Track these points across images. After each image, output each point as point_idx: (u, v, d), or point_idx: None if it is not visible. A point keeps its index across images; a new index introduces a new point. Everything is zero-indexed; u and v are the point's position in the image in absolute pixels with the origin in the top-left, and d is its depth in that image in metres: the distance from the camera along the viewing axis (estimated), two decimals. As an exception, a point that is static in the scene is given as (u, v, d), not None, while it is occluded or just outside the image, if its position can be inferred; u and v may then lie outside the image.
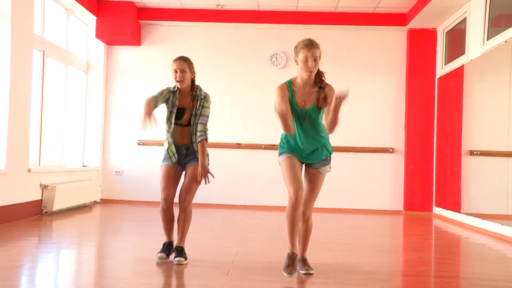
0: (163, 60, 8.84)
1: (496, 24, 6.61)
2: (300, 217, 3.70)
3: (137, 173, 8.84)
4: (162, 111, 4.23)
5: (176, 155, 4.21)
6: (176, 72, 4.17)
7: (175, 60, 4.24)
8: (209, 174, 4.15)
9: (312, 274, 3.65)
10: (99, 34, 8.55)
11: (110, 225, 6.48)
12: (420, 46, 8.66)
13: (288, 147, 3.78)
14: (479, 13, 6.97)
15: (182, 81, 4.17)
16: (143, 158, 8.86)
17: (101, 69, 8.84)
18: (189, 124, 4.22)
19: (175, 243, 4.21)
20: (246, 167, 8.67)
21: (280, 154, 3.83)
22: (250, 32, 8.90)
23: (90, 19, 8.53)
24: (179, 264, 4.04)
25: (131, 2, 8.45)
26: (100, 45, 8.82)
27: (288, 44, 8.77)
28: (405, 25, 8.61)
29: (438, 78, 8.51)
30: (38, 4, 6.99)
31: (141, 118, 3.93)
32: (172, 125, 4.20)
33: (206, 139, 4.19)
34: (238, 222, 6.62)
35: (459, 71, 7.55)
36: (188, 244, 4.60)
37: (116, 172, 8.93)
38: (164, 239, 4.29)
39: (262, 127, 8.65)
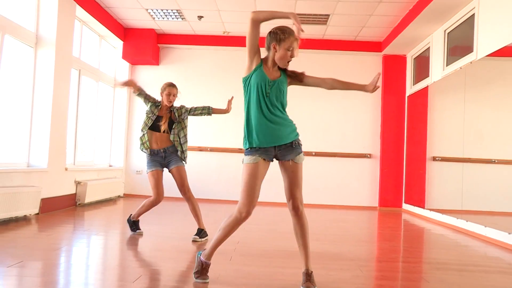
0: (178, 77, 8.96)
1: (452, 53, 6.73)
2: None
3: (155, 172, 8.86)
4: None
5: (155, 162, 4.53)
6: (169, 95, 4.52)
7: (169, 85, 4.59)
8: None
9: None
10: (125, 56, 8.63)
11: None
12: (393, 69, 8.74)
13: (255, 141, 2.92)
14: (440, 44, 7.10)
15: (171, 102, 4.55)
16: (160, 159, 8.89)
17: (126, 85, 8.90)
18: (166, 132, 4.49)
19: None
20: (241, 169, 8.68)
21: (246, 153, 2.98)
22: (251, 55, 8.95)
23: (118, 43, 8.61)
24: (195, 241, 4.44)
25: (152, 29, 8.57)
26: (126, 65, 8.89)
27: (283, 65, 8.92)
28: (380, 51, 8.69)
29: (408, 96, 8.58)
30: (77, 31, 7.10)
31: (125, 81, 4.46)
32: (146, 130, 4.51)
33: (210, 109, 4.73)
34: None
35: (425, 90, 7.64)
36: (194, 233, 4.76)
37: (137, 171, 8.99)
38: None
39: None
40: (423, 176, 7.54)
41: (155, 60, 8.82)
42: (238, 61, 8.98)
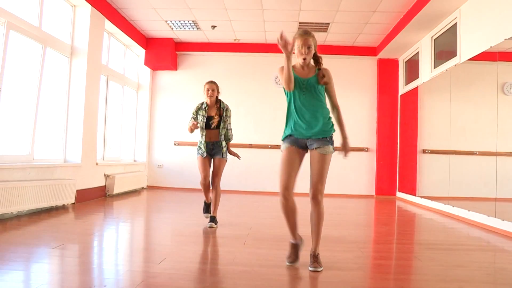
0: (193, 81, 9.04)
1: (439, 57, 6.75)
2: (293, 210, 3.07)
3: (174, 166, 8.95)
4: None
5: (206, 150, 4.57)
6: (208, 90, 4.56)
7: (208, 82, 4.63)
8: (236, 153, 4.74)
9: (320, 271, 2.91)
10: (147, 62, 8.69)
11: (154, 205, 6.54)
12: (387, 71, 8.74)
13: (291, 131, 3.08)
14: (427, 49, 7.11)
15: (211, 96, 4.55)
16: (178, 155, 8.97)
17: (147, 88, 8.97)
18: (216, 127, 4.56)
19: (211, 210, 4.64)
20: (256, 162, 8.74)
21: (283, 140, 3.13)
22: (259, 60, 8.99)
23: (140, 51, 8.67)
24: (211, 227, 4.48)
25: (171, 38, 8.63)
26: (147, 70, 8.95)
27: (288, 69, 8.93)
28: (375, 56, 8.69)
29: (400, 95, 8.58)
30: (105, 41, 7.18)
31: (189, 127, 4.40)
32: (204, 130, 4.57)
33: (230, 140, 4.69)
34: (251, 204, 6.64)
35: (415, 90, 7.65)
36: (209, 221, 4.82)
37: (158, 165, 9.04)
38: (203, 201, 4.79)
39: (269, 132, 8.74)
40: (414, 167, 7.56)
41: (173, 65, 8.89)
42: (248, 66, 9.04)
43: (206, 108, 4.60)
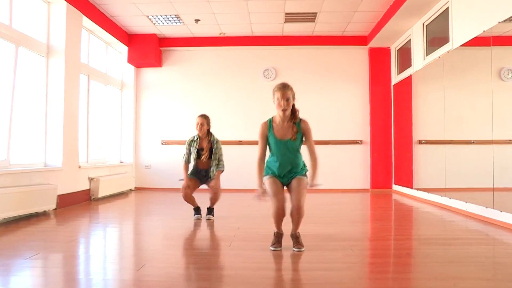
0: (179, 77, 8.97)
1: (431, 44, 6.69)
2: (284, 214, 3.44)
3: (162, 166, 8.89)
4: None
5: (194, 174, 5.02)
6: (197, 124, 4.97)
7: (199, 116, 5.01)
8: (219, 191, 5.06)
9: (303, 251, 3.36)
10: (130, 60, 8.60)
11: (142, 208, 6.49)
12: (378, 60, 8.68)
13: (271, 171, 3.55)
14: (419, 36, 7.06)
15: (200, 130, 4.96)
16: (166, 154, 8.90)
17: (132, 87, 8.89)
18: (207, 158, 4.99)
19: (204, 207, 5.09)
20: (246, 159, 8.52)
21: (265, 176, 3.56)
22: (246, 53, 8.92)
23: (123, 49, 8.56)
24: (209, 219, 4.96)
25: (154, 34, 8.52)
26: (131, 68, 8.86)
27: (277, 61, 8.91)
28: (366, 45, 8.62)
29: (393, 85, 8.53)
30: (84, 39, 7.07)
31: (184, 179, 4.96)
32: (194, 160, 5.00)
33: (222, 170, 5.04)
34: (240, 203, 6.58)
35: (408, 79, 7.60)
36: (198, 222, 4.83)
37: (146, 166, 8.98)
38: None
39: (257, 128, 8.64)
40: (410, 158, 7.52)
41: (157, 62, 8.79)
42: (235, 60, 8.97)
43: (198, 140, 5.02)
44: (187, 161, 5.02)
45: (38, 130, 5.93)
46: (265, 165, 3.57)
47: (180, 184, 5.01)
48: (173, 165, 8.72)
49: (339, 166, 8.75)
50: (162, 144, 8.95)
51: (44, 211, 5.44)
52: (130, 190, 8.62)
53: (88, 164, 7.08)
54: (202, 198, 5.26)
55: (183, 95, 8.93)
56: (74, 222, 4.95)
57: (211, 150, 4.99)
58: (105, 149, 8.08)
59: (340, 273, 2.84)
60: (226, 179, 8.83)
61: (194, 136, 5.06)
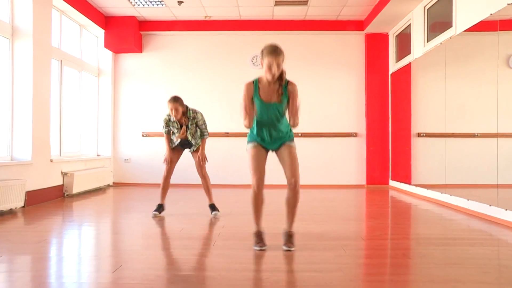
0: (161, 64, 8.88)
1: (433, 29, 6.66)
2: (262, 201, 3.57)
3: (143, 160, 8.82)
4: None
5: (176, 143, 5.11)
6: (172, 110, 4.86)
7: (169, 101, 4.88)
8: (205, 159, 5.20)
9: (292, 251, 3.37)
10: (107, 44, 8.47)
11: (120, 205, 6.45)
12: (375, 47, 8.65)
13: (255, 136, 3.61)
14: (420, 20, 7.03)
15: (176, 116, 4.90)
16: (147, 147, 8.83)
17: (109, 74, 8.77)
18: (187, 131, 5.04)
19: (208, 203, 5.23)
20: (233, 152, 8.63)
21: (248, 142, 3.67)
22: (233, 38, 8.85)
23: (99, 32, 8.43)
24: (215, 216, 5.00)
25: (133, 16, 8.39)
26: (108, 53, 8.74)
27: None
28: (362, 30, 8.59)
29: (391, 74, 8.52)
30: (56, 21, 6.93)
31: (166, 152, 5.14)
32: (176, 135, 5.05)
33: (206, 137, 5.16)
34: (227, 199, 6.54)
35: (407, 67, 7.59)
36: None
37: (125, 159, 8.91)
38: (158, 201, 5.15)
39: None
40: (408, 152, 7.53)
41: (137, 47, 8.68)
42: (221, 45, 8.89)
43: (174, 121, 5.03)
44: (168, 133, 5.10)
45: (3, 119, 5.80)
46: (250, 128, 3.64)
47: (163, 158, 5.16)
48: (154, 158, 8.64)
49: (332, 160, 8.74)
50: (143, 136, 8.86)
51: (11, 209, 5.34)
52: (108, 185, 8.54)
53: (61, 158, 6.99)
54: (170, 195, 5.31)
55: (165, 83, 8.84)
56: (45, 221, 4.87)
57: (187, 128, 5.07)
58: (81, 141, 7.97)
59: (331, 274, 2.81)
60: (211, 174, 8.86)
61: (171, 116, 5.01)
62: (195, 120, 5.04)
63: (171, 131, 5.07)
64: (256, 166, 3.53)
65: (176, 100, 4.88)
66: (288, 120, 3.59)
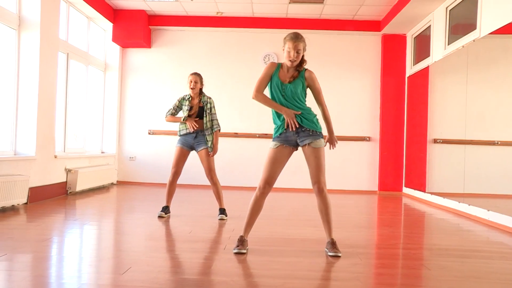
0: (170, 60, 8.88)
1: (454, 31, 6.62)
2: (261, 207, 3.60)
3: (148, 158, 8.83)
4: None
5: (185, 137, 5.09)
6: (191, 82, 5.06)
7: (191, 73, 5.12)
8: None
9: (340, 256, 3.41)
10: (115, 38, 8.49)
11: (125, 204, 6.45)
12: (392, 49, 8.62)
13: (280, 132, 3.61)
14: (441, 22, 6.98)
15: (194, 88, 5.05)
16: (153, 145, 8.84)
17: (116, 69, 8.78)
18: (198, 117, 5.05)
19: (219, 207, 5.21)
20: (242, 154, 8.64)
21: (273, 139, 3.68)
22: (246, 36, 8.85)
23: (107, 26, 8.45)
24: (222, 219, 5.01)
25: (143, 10, 8.40)
26: (116, 48, 8.76)
27: (279, 46, 8.63)
28: (379, 31, 8.56)
29: (408, 77, 8.48)
30: (63, 13, 6.94)
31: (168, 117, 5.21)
32: (186, 116, 5.05)
33: (219, 130, 5.14)
34: (235, 202, 6.51)
35: (425, 71, 7.55)
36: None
37: (130, 157, 8.92)
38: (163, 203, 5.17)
39: (257, 119, 8.62)
40: (423, 159, 7.49)
41: (146, 42, 8.68)
42: (232, 43, 8.89)
43: (190, 99, 5.13)
44: (171, 114, 5.20)
45: (7, 113, 5.81)
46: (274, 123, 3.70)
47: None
48: (161, 157, 8.67)
49: (343, 164, 8.70)
50: (149, 134, 8.86)
51: (13, 205, 5.35)
52: (112, 184, 8.55)
53: (65, 154, 7.00)
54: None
55: (174, 80, 8.84)
56: (48, 218, 4.87)
57: (201, 111, 5.08)
58: (85, 138, 7.98)
59: (348, 283, 2.79)
60: (220, 175, 8.92)
61: (186, 95, 5.18)
62: (210, 106, 5.07)
63: (175, 114, 5.20)
64: (268, 169, 3.57)
65: (198, 74, 5.13)
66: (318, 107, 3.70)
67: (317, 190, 3.63)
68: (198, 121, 5.05)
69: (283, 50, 3.56)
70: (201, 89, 5.13)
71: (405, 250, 3.93)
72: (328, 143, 3.84)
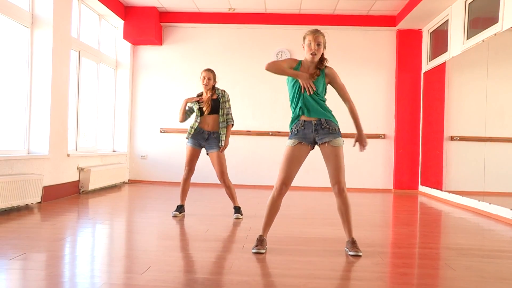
0: (181, 58, 8.89)
1: (474, 26, 6.55)
2: (278, 207, 3.59)
3: (160, 157, 8.85)
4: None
5: (196, 137, 5.03)
6: (204, 78, 5.01)
7: (204, 70, 5.08)
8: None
9: (360, 256, 3.40)
10: (126, 36, 8.51)
11: (137, 203, 6.46)
12: (408, 44, 8.58)
13: (297, 129, 3.56)
14: (459, 16, 6.92)
15: (207, 85, 5.00)
16: (165, 144, 8.86)
17: (128, 66, 8.81)
18: (211, 113, 5.00)
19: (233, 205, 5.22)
20: (255, 152, 8.64)
21: (290, 137, 3.61)
22: (258, 32, 8.84)
23: (118, 23, 8.48)
24: (237, 218, 5.01)
25: (154, 7, 8.42)
26: (127, 45, 8.78)
27: (292, 42, 8.81)
28: (394, 26, 8.52)
29: (424, 73, 8.43)
30: (75, 11, 6.97)
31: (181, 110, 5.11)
32: (199, 117, 5.03)
33: (232, 124, 5.08)
34: (249, 200, 6.53)
35: (442, 66, 7.49)
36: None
37: (142, 156, 8.95)
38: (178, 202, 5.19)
39: (269, 116, 8.63)
40: (440, 156, 7.43)
41: (157, 40, 8.69)
42: (245, 39, 8.88)
43: (201, 95, 5.12)
44: (186, 106, 5.15)
45: (20, 112, 5.84)
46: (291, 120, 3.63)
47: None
48: (172, 156, 8.70)
49: (358, 162, 8.65)
50: (161, 132, 8.89)
51: (27, 204, 5.39)
52: (124, 182, 8.59)
53: (77, 153, 7.03)
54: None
55: (186, 78, 8.85)
56: (62, 217, 4.89)
57: (216, 105, 5.02)
58: (97, 136, 8.01)
59: (372, 283, 2.78)
60: (231, 174, 8.91)
61: (199, 93, 5.18)
62: (225, 99, 5.04)
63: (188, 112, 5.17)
64: (285, 169, 3.52)
65: (211, 69, 5.10)
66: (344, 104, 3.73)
67: (337, 191, 3.55)
68: (210, 118, 5.02)
69: (303, 47, 3.53)
70: (214, 86, 5.09)
71: (426, 250, 3.89)
72: (357, 143, 3.80)
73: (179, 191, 5.18)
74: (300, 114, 3.55)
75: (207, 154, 5.10)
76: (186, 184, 5.15)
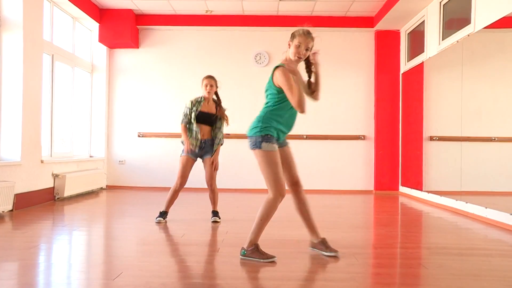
0: (159, 61, 8.88)
1: (449, 26, 6.66)
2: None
3: (138, 162, 8.81)
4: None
5: (196, 146, 5.05)
6: (206, 86, 5.08)
7: (206, 77, 5.16)
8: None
9: (337, 256, 3.47)
10: (102, 39, 8.47)
11: (115, 209, 6.43)
12: (386, 45, 8.66)
13: (276, 130, 3.49)
14: (435, 17, 7.03)
15: (210, 92, 5.08)
16: (143, 148, 8.83)
17: (104, 70, 8.76)
18: (209, 124, 5.10)
19: (211, 209, 5.26)
20: (235, 155, 8.59)
21: (270, 141, 3.44)
22: (236, 34, 8.87)
23: (93, 26, 8.43)
24: (215, 222, 5.06)
25: (130, 9, 8.39)
26: (103, 48, 8.74)
27: (270, 44, 8.86)
28: (372, 27, 8.61)
29: (402, 74, 8.53)
30: (47, 13, 6.92)
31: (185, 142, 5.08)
32: (194, 123, 5.03)
33: (221, 144, 5.21)
34: (229, 204, 6.53)
35: (420, 67, 7.60)
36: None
37: (120, 161, 8.90)
38: (162, 208, 5.15)
39: (249, 119, 8.47)
40: (420, 157, 7.53)
41: (134, 43, 8.68)
42: (223, 42, 8.89)
43: (202, 102, 5.12)
44: (187, 123, 5.11)
45: (-7, 117, 5.79)
46: (269, 119, 3.56)
47: (181, 150, 5.14)
48: (151, 160, 8.67)
49: (338, 164, 8.74)
50: (139, 136, 8.86)
51: (-1, 212, 5.34)
52: (101, 188, 8.52)
53: (52, 159, 6.96)
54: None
55: (163, 81, 8.85)
56: (35, 225, 4.84)
57: (212, 117, 5.11)
58: (72, 142, 7.96)
59: (344, 284, 2.82)
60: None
61: (199, 97, 5.16)
62: (222, 110, 5.18)
63: (190, 121, 5.10)
64: (280, 172, 3.40)
65: (212, 76, 5.17)
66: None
67: (298, 184, 3.62)
68: (206, 128, 5.11)
69: (289, 44, 3.45)
70: (216, 92, 5.19)
71: (402, 250, 3.96)
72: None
73: (166, 198, 5.12)
74: (286, 130, 3.55)
75: (202, 159, 5.20)
76: (176, 195, 5.13)
